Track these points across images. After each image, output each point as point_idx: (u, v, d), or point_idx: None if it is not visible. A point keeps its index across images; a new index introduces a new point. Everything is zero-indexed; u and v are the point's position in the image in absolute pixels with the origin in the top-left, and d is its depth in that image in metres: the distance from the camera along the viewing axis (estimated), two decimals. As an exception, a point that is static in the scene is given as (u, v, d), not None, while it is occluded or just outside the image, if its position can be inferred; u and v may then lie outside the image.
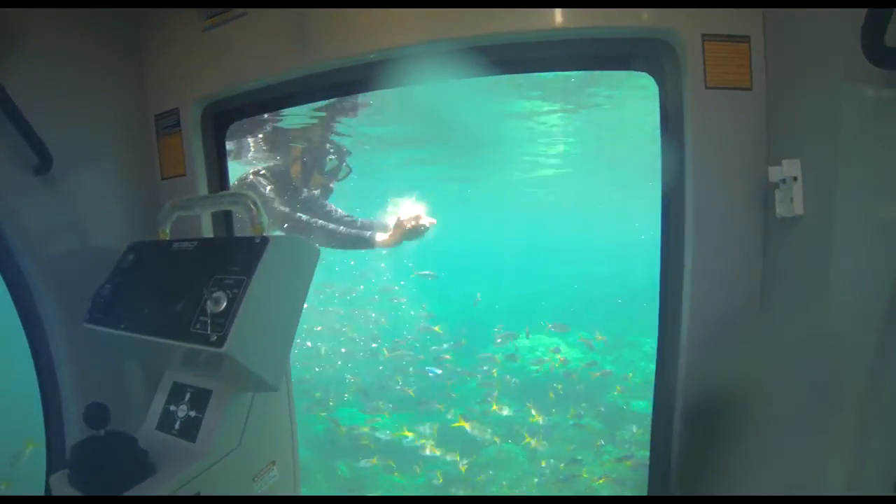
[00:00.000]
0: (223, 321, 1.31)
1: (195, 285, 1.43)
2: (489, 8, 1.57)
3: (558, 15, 1.57)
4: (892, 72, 1.02)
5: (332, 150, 3.58)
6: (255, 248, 1.41)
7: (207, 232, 2.01)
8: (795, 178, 1.35)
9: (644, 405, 6.73)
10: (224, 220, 2.09)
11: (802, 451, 1.36)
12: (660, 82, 1.63)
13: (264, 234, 1.47)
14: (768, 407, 1.52)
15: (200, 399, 1.53)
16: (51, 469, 1.86)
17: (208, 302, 1.36)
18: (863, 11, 0.98)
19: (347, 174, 3.39)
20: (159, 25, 1.96)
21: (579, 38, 1.62)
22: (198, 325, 1.35)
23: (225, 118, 2.05)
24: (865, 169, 1.15)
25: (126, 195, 1.98)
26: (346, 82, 1.85)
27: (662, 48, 1.57)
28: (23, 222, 1.64)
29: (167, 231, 1.76)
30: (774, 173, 1.39)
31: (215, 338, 1.30)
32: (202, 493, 1.41)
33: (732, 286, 1.59)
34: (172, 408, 1.56)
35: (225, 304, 1.34)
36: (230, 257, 1.44)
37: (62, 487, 1.40)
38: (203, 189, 2.01)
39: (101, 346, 1.76)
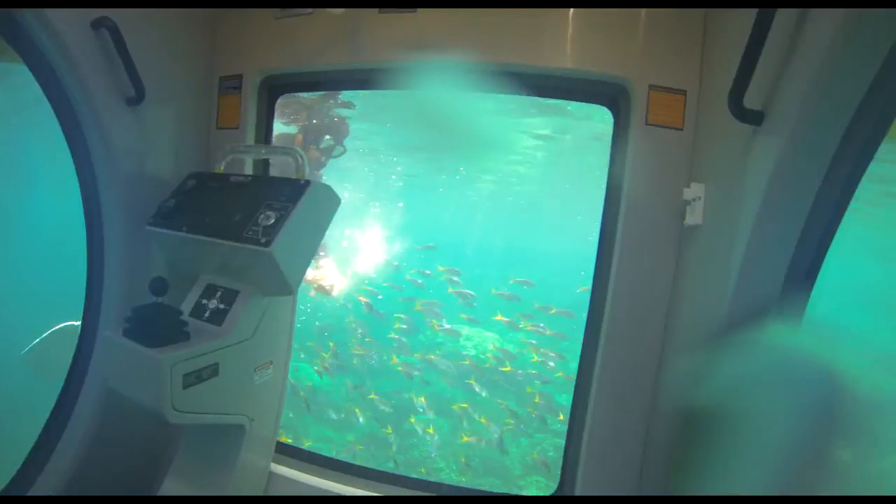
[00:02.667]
0: (271, 231, 1.78)
1: (250, 206, 1.89)
2: (502, 41, 2.08)
3: (549, 55, 2.06)
4: (753, 126, 1.48)
5: (329, 133, 4.09)
6: (300, 186, 1.90)
7: (249, 172, 2.49)
8: (699, 198, 1.85)
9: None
10: (263, 165, 2.56)
11: None
12: (614, 115, 2.13)
13: (307, 180, 1.95)
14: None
15: (229, 296, 1.97)
16: (82, 346, 2.21)
17: (261, 216, 1.82)
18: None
19: (342, 153, 3.89)
20: (235, 12, 2.43)
21: (562, 75, 2.10)
22: (250, 232, 1.81)
23: (278, 89, 2.52)
24: (742, 190, 1.58)
25: (186, 136, 2.42)
26: (381, 79, 2.33)
27: (619, 91, 2.07)
28: (108, 140, 2.03)
29: (222, 167, 2.20)
30: (687, 193, 1.89)
31: (264, 241, 1.77)
32: (219, 364, 1.83)
33: (651, 278, 2.04)
34: (205, 301, 2.00)
35: (273, 220, 1.81)
36: (280, 190, 1.91)
37: (113, 336, 1.79)
38: (251, 141, 2.47)
39: (150, 250, 2.18)
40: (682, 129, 1.98)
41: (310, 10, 2.25)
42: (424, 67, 2.17)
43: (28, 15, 1.74)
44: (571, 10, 2.02)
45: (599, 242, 2.19)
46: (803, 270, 1.47)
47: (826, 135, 1.30)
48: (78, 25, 1.84)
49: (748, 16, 1.37)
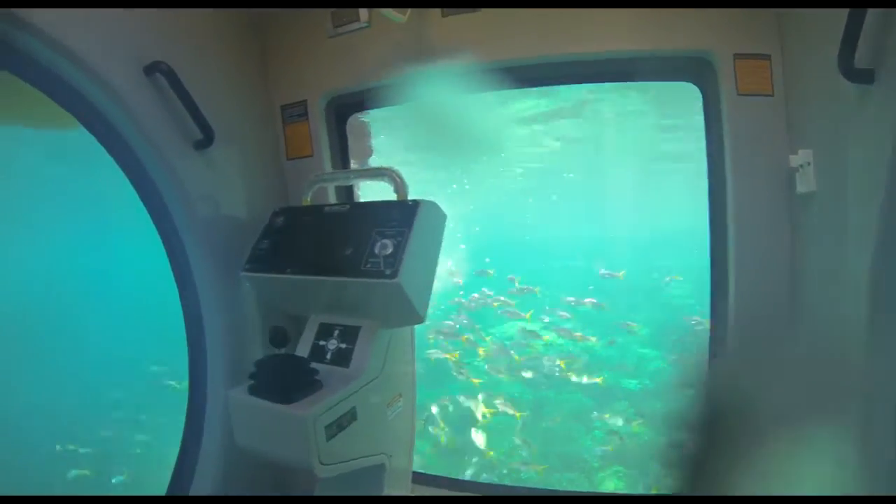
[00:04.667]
0: (393, 260, 1.69)
1: (358, 236, 1.81)
2: (573, 31, 2.02)
3: (626, 39, 2.01)
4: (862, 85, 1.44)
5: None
6: (409, 208, 1.82)
7: (332, 201, 2.41)
8: (808, 163, 1.80)
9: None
10: (345, 192, 2.47)
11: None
12: (701, 89, 2.08)
13: (413, 199, 1.86)
14: None
15: (349, 334, 1.88)
16: (193, 405, 2.13)
17: (376, 246, 1.74)
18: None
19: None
20: (284, 32, 2.33)
21: (641, 57, 2.04)
22: (368, 265, 1.73)
23: (346, 109, 2.43)
24: (854, 154, 1.57)
25: (257, 172, 2.31)
26: (451, 83, 2.23)
27: (703, 64, 2.02)
28: (182, 188, 1.94)
29: (308, 199, 2.11)
30: (794, 160, 1.85)
31: (388, 272, 1.68)
32: (356, 408, 1.75)
33: (770, 250, 1.99)
34: (322, 342, 1.91)
35: (392, 248, 1.72)
36: (388, 215, 1.82)
37: (242, 398, 1.71)
38: (328, 167, 2.39)
39: (244, 295, 2.10)
40: (772, 95, 1.94)
41: (365, 23, 2.16)
42: (495, 67, 2.10)
43: (76, 73, 1.64)
44: None
45: (711, 220, 2.15)
46: None
47: None
48: (130, 74, 1.74)
49: None
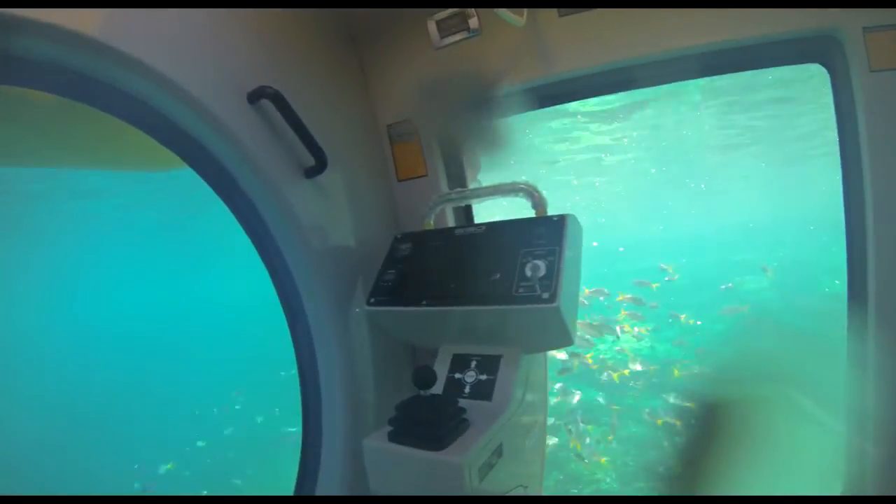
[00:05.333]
0: (549, 283, 1.54)
1: (503, 258, 1.66)
2: (693, 24, 1.88)
3: (744, 26, 1.86)
4: None
5: None
6: (555, 223, 1.67)
7: (451, 222, 2.28)
8: None
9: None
10: (464, 212, 2.34)
11: None
12: (829, 70, 1.92)
13: (559, 214, 1.72)
14: None
15: (489, 364, 1.72)
16: (306, 463, 1.97)
17: (527, 268, 1.58)
18: None
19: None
20: (384, 45, 2.21)
21: (761, 42, 1.91)
22: (521, 290, 1.57)
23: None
24: None
25: (368, 197, 2.18)
26: (579, 90, 2.13)
27: (830, 42, 1.85)
28: (293, 219, 1.81)
29: (431, 222, 1.98)
30: None
31: (546, 296, 1.52)
32: (502, 443, 1.59)
33: None
34: (458, 375, 1.75)
35: (545, 269, 1.57)
36: (533, 233, 1.68)
37: (380, 444, 1.55)
38: (444, 186, 2.25)
39: (365, 330, 1.97)
40: None
41: (475, 31, 2.03)
42: (615, 67, 1.98)
43: (175, 105, 1.50)
44: None
45: (846, 214, 1.97)
46: None
47: None
48: (232, 102, 1.60)
49: None
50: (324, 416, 1.96)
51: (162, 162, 2.46)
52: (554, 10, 1.97)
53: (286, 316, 1.95)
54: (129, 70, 1.38)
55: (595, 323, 7.88)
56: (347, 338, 1.96)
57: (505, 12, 1.76)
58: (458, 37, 2.04)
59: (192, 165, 1.71)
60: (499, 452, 1.59)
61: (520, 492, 1.77)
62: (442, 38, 2.05)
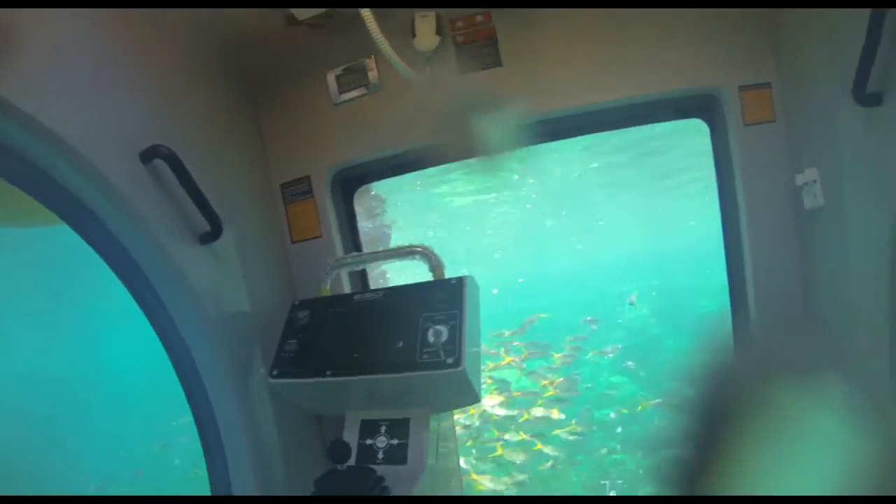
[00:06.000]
0: (452, 347, 1.56)
1: (404, 325, 1.66)
2: (583, 85, 2.02)
3: (638, 84, 2.03)
4: (871, 108, 1.51)
5: None
6: (454, 287, 1.70)
7: (346, 287, 2.22)
8: (815, 181, 1.86)
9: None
10: (360, 275, 2.30)
11: None
12: (709, 123, 2.13)
13: (456, 276, 1.74)
14: None
15: (399, 428, 1.72)
16: None
17: (429, 333, 1.60)
18: (841, 60, 1.50)
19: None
20: (282, 103, 2.17)
21: (652, 100, 2.08)
22: (425, 356, 1.58)
23: (353, 182, 2.27)
24: (857, 171, 1.66)
25: (260, 260, 2.10)
26: (462, 146, 2.17)
27: (711, 99, 2.07)
28: (190, 286, 1.71)
29: (328, 288, 1.95)
30: (799, 179, 1.90)
31: (451, 360, 1.54)
32: None
33: (785, 267, 2.06)
34: (369, 441, 1.73)
35: (447, 334, 1.58)
36: (432, 296, 1.70)
37: None
38: (339, 249, 2.21)
39: (269, 400, 1.90)
40: (774, 121, 2.02)
41: (374, 89, 2.03)
42: (505, 126, 2.05)
43: (61, 163, 1.37)
44: (650, 33, 2.00)
45: (725, 245, 2.20)
46: None
47: None
48: (123, 161, 1.49)
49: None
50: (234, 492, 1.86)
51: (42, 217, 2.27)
52: (455, 68, 2.03)
53: (183, 388, 1.84)
54: (12, 120, 1.22)
55: None
56: (250, 409, 1.88)
57: (402, 66, 1.78)
58: (357, 92, 2.04)
59: (73, 227, 1.56)
60: None
61: None
62: (341, 93, 2.05)
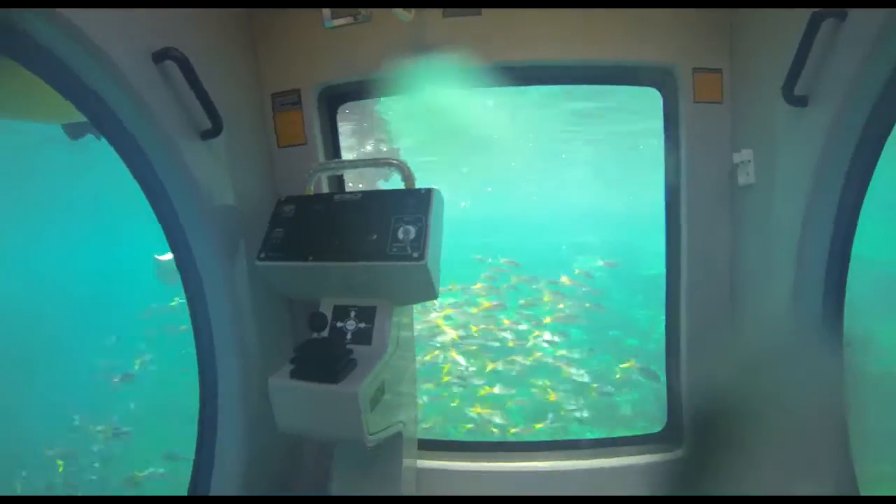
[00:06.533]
0: (418, 244, 1.86)
1: (379, 223, 1.94)
2: (564, 40, 2.26)
3: (607, 49, 2.28)
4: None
5: None
6: (422, 196, 1.98)
7: (326, 189, 2.48)
8: (749, 161, 2.19)
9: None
10: (338, 180, 2.54)
11: None
12: (663, 95, 2.42)
13: (426, 188, 2.01)
14: None
15: (366, 314, 2.01)
16: (204, 405, 2.13)
17: (399, 231, 1.88)
18: (781, 59, 1.77)
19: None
20: (276, 20, 2.33)
21: (617, 64, 2.35)
22: (394, 249, 1.87)
23: (338, 99, 2.47)
24: (784, 157, 1.96)
25: (251, 160, 2.32)
26: (446, 78, 2.34)
27: (668, 74, 2.35)
28: (189, 178, 1.90)
29: (311, 189, 2.18)
30: (736, 157, 2.23)
31: (416, 255, 1.84)
32: (384, 381, 1.90)
33: (715, 233, 2.39)
34: (340, 324, 2.01)
35: (415, 233, 1.88)
36: (405, 202, 1.98)
37: (286, 383, 1.80)
38: (321, 155, 2.43)
39: (250, 284, 2.15)
40: (721, 103, 2.32)
41: (366, 17, 2.22)
42: (487, 67, 2.28)
43: (82, 57, 1.55)
44: (624, 9, 2.22)
45: (666, 207, 2.51)
46: (846, 216, 1.87)
47: (858, 111, 1.67)
48: (138, 59, 1.67)
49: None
50: (218, 363, 2.13)
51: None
52: (439, 11, 2.24)
53: (179, 269, 2.07)
54: (40, 17, 1.39)
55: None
56: (234, 291, 2.13)
57: (398, 10, 2.00)
58: (348, 19, 2.24)
59: (91, 120, 1.76)
60: (382, 389, 1.89)
61: (399, 428, 2.08)
62: (333, 18, 2.23)
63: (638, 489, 2.45)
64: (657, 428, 2.69)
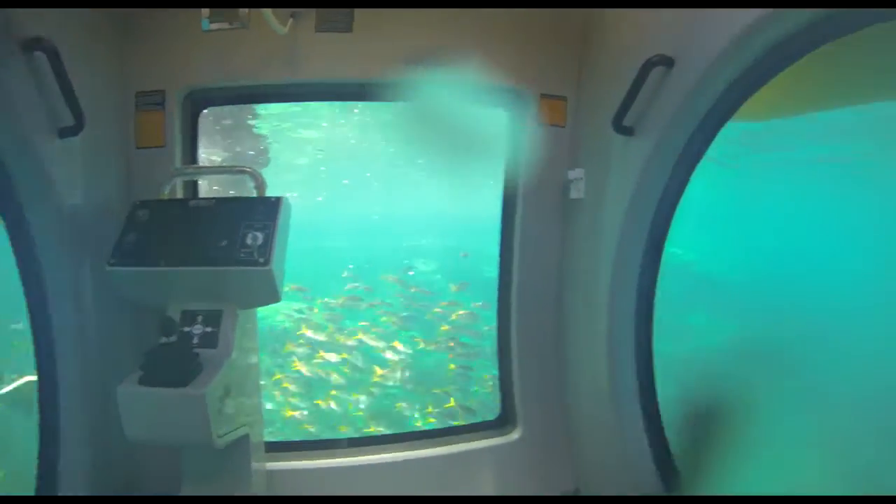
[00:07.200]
0: (264, 249, 1.94)
1: (229, 229, 2.00)
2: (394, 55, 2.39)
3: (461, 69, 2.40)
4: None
5: None
6: (272, 203, 2.08)
7: (180, 194, 2.46)
8: (581, 178, 2.47)
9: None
10: (192, 186, 2.54)
11: None
12: (512, 116, 2.65)
13: (275, 196, 2.10)
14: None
15: (213, 318, 2.04)
16: (45, 411, 2.04)
17: (248, 237, 1.96)
18: (616, 92, 2.00)
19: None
20: (152, 19, 2.30)
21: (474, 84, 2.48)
22: (242, 254, 1.94)
23: (202, 103, 2.48)
24: (609, 176, 2.24)
25: (107, 159, 2.27)
26: (313, 93, 2.51)
27: (518, 97, 2.57)
28: (43, 177, 1.85)
29: (166, 193, 2.17)
30: (571, 174, 2.52)
31: (262, 260, 1.92)
32: (230, 384, 1.93)
33: (547, 239, 2.67)
34: (187, 328, 2.02)
35: (262, 239, 1.96)
36: (254, 210, 2.06)
37: (137, 390, 1.78)
38: (177, 159, 2.42)
39: (102, 289, 2.11)
40: (564, 127, 2.59)
41: (241, 25, 2.27)
42: (355, 83, 2.43)
43: None
44: (481, 30, 2.44)
45: (503, 215, 2.77)
46: (659, 226, 2.16)
47: (675, 142, 1.97)
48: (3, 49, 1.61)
49: (616, 39, 2.10)
50: (59, 371, 2.05)
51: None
52: (313, 25, 2.34)
53: (21, 273, 1.97)
54: None
55: None
56: (81, 298, 2.09)
57: (272, 18, 2.05)
58: (225, 24, 2.28)
59: None
60: (227, 391, 1.92)
61: (244, 431, 2.11)
62: (212, 21, 2.28)
63: (483, 469, 2.74)
64: (493, 415, 3.01)
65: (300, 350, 7.23)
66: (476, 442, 2.82)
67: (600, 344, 2.32)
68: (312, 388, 6.99)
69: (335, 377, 7.05)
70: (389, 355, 7.44)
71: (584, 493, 2.75)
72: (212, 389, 1.78)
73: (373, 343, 7.48)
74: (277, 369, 7.03)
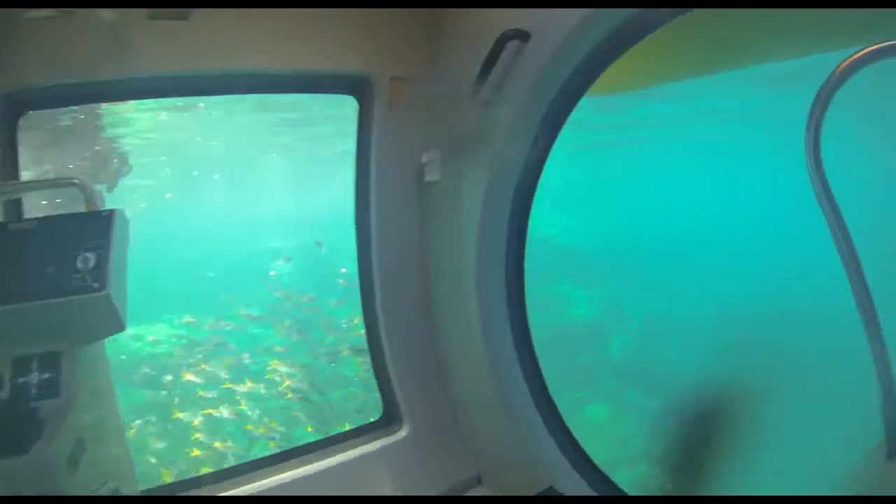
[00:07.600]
0: (98, 272, 1.67)
1: (56, 252, 1.70)
2: (265, 48, 2.24)
3: (303, 57, 2.33)
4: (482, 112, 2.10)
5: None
6: (104, 218, 1.80)
7: None
8: (436, 160, 2.47)
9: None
10: (14, 204, 2.10)
11: None
12: (360, 101, 2.55)
13: (108, 209, 1.83)
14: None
15: (50, 361, 1.71)
16: None
17: (78, 260, 1.67)
18: (468, 70, 2.01)
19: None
20: None
21: (313, 73, 2.43)
22: (74, 281, 1.65)
23: (21, 107, 2.07)
24: (466, 157, 2.26)
25: None
26: (149, 89, 2.24)
27: (365, 82, 2.48)
28: None
29: None
30: (425, 157, 2.51)
31: (96, 285, 1.65)
32: (83, 438, 1.65)
33: (404, 225, 2.63)
34: (22, 379, 1.68)
35: (94, 260, 1.68)
36: (84, 226, 1.77)
37: None
38: None
39: None
40: (414, 108, 2.53)
41: (66, 13, 1.90)
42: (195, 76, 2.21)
43: None
44: (320, 11, 2.25)
45: (356, 207, 2.68)
46: (522, 199, 2.27)
47: (534, 113, 2.05)
48: None
49: (469, 18, 2.10)
50: None
51: None
52: (143, 12, 2.02)
53: None
54: None
55: None
56: None
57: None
58: (50, 12, 1.88)
59: None
60: (81, 445, 1.62)
61: (111, 486, 1.79)
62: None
63: (378, 472, 2.63)
64: (376, 416, 2.90)
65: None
66: (365, 446, 2.68)
67: (474, 325, 2.36)
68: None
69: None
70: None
71: (485, 476, 2.76)
72: (57, 453, 1.49)
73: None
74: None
